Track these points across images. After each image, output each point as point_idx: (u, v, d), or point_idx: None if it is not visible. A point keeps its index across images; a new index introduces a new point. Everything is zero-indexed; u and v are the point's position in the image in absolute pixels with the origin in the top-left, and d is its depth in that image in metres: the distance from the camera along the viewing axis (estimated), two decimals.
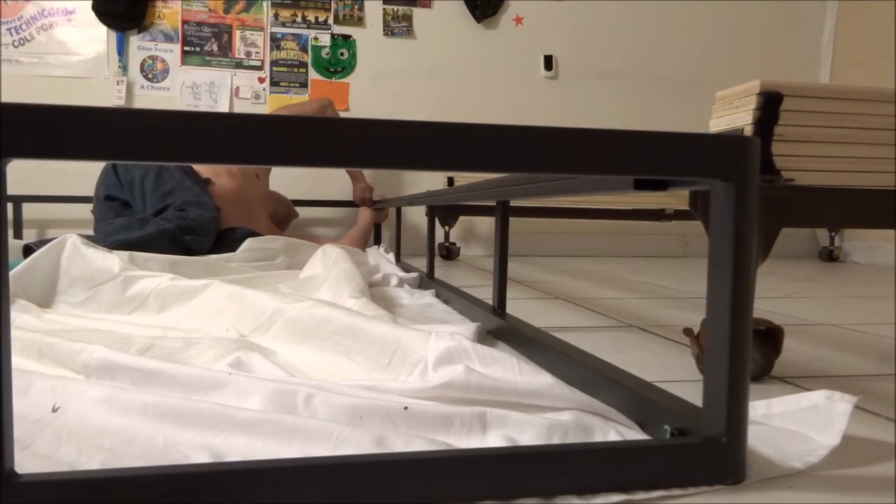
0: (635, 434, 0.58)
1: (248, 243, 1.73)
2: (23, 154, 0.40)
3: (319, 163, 0.44)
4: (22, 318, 1.00)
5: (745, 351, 0.49)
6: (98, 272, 1.18)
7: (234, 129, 0.42)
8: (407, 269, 1.95)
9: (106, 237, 1.59)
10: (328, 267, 1.39)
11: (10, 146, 0.39)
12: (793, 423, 0.57)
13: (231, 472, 0.44)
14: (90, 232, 1.94)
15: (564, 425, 0.56)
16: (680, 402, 0.59)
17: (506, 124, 0.46)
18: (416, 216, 2.98)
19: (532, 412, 0.59)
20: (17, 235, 2.58)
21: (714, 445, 0.49)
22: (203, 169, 1.99)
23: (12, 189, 2.15)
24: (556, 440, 0.55)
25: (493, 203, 1.13)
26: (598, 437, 0.56)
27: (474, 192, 1.15)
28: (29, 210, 2.65)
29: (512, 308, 1.11)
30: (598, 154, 0.48)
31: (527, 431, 0.56)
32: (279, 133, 0.43)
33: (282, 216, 2.56)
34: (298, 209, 2.72)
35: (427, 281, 1.65)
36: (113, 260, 1.21)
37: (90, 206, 2.06)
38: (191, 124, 0.42)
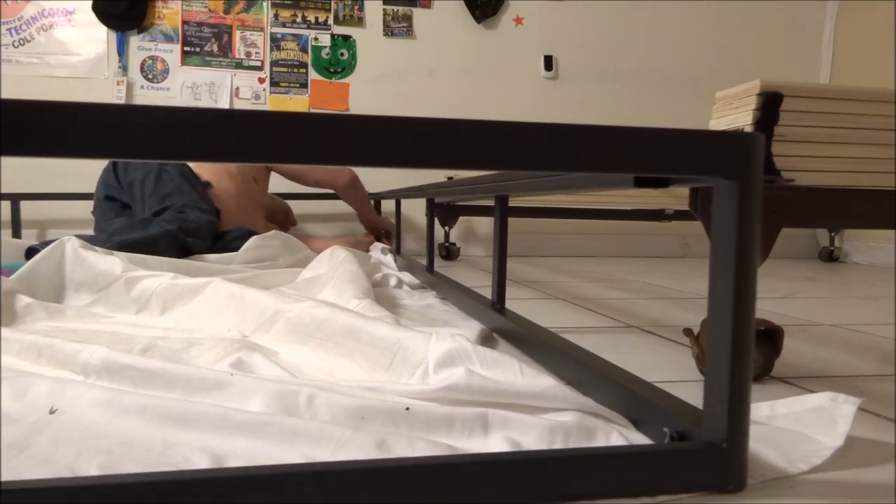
0: (637, 436, 0.58)
1: (251, 242, 1.74)
2: (22, 153, 0.39)
3: (318, 160, 0.44)
4: (31, 317, 1.01)
5: (747, 354, 0.48)
6: (101, 275, 1.19)
7: (233, 127, 0.42)
8: (407, 263, 1.96)
9: (109, 237, 1.59)
10: (334, 267, 1.40)
11: (10, 145, 0.39)
12: (796, 425, 0.57)
13: (225, 479, 0.43)
14: (90, 231, 1.94)
15: (566, 427, 0.56)
16: (680, 404, 0.58)
17: (507, 121, 0.46)
18: (416, 219, 2.98)
19: (534, 413, 0.59)
20: (16, 235, 2.57)
21: (715, 451, 0.49)
22: (202, 171, 1.99)
23: (12, 188, 2.14)
24: (558, 441, 0.55)
25: (493, 203, 1.13)
26: (601, 439, 0.56)
27: (473, 186, 1.14)
28: (29, 210, 2.65)
29: (513, 308, 1.10)
30: (600, 151, 0.47)
31: (529, 433, 0.56)
32: (278, 130, 0.42)
33: (279, 221, 2.55)
34: (296, 204, 2.71)
35: (427, 275, 1.65)
36: (114, 262, 1.21)
37: (89, 205, 2.06)
38: (189, 122, 0.41)
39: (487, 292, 1.18)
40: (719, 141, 0.49)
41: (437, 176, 2.42)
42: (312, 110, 2.95)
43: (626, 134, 0.47)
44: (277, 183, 2.62)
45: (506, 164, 0.47)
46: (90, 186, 2.08)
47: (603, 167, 0.48)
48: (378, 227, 2.63)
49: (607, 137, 0.47)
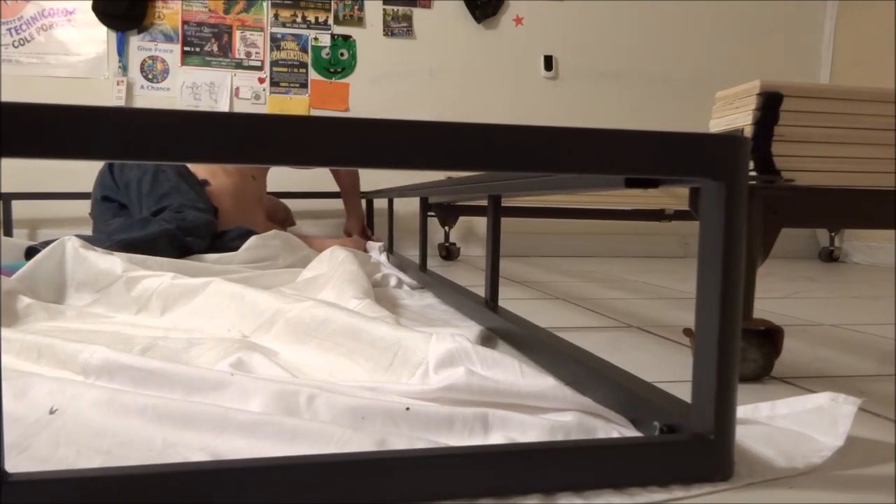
0: (633, 434, 0.58)
1: (250, 241, 1.74)
2: (22, 154, 0.40)
3: (315, 162, 0.44)
4: (32, 317, 1.01)
5: (733, 349, 0.50)
6: (102, 275, 1.19)
7: (231, 129, 0.42)
8: (399, 262, 1.96)
9: (109, 237, 1.59)
10: (334, 268, 1.40)
11: (9, 145, 0.39)
12: (797, 425, 0.57)
13: (226, 471, 0.44)
14: (83, 231, 1.94)
15: (567, 427, 0.56)
16: (671, 399, 0.59)
17: (496, 123, 0.47)
18: (414, 219, 2.97)
19: (534, 413, 0.59)
20: (7, 234, 2.57)
21: (703, 442, 0.50)
22: (199, 169, 1.99)
23: (3, 188, 2.13)
24: None
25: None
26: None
27: (465, 185, 1.15)
28: (21, 209, 2.64)
29: (512, 308, 1.10)
30: (588, 153, 0.48)
31: (529, 433, 0.56)
32: (275, 132, 0.43)
33: (278, 220, 2.55)
34: (291, 203, 2.71)
35: (419, 274, 1.66)
36: (115, 261, 1.21)
37: (81, 204, 2.06)
38: (188, 124, 0.41)
39: (483, 291, 1.18)
40: (706, 143, 0.50)
41: (435, 175, 2.42)
42: (312, 110, 2.95)
43: (615, 136, 0.48)
44: (273, 183, 2.62)
45: (497, 166, 0.48)
46: (81, 186, 2.08)
47: (593, 169, 0.49)
48: (352, 235, 2.67)
49: (597, 140, 0.48)
